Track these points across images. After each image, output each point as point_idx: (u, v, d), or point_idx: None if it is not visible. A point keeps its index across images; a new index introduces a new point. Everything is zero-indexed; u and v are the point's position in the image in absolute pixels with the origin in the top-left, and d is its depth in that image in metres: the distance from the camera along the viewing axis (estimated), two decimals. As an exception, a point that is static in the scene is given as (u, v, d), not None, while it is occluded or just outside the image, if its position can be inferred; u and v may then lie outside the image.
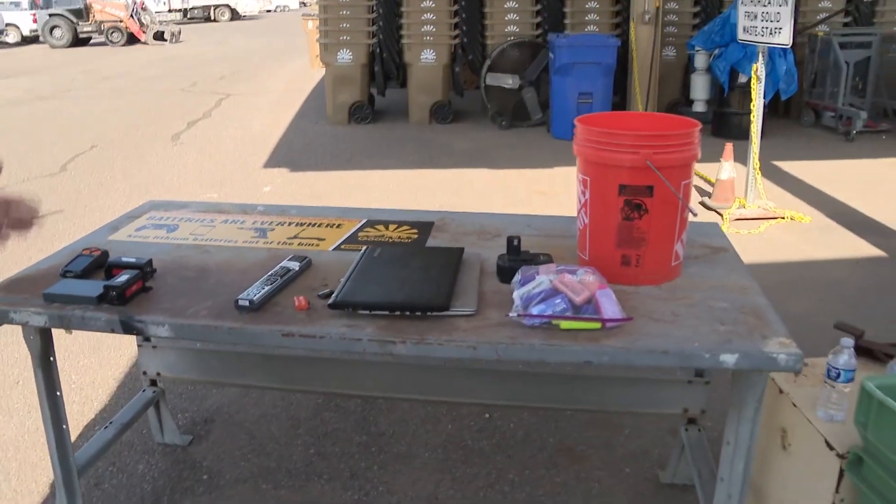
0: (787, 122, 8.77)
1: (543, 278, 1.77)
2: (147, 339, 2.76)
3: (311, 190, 6.40)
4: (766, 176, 5.90)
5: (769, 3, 5.34)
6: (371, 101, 9.44)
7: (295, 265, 2.00)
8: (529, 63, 8.74)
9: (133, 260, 2.02)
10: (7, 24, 26.28)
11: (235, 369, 2.80)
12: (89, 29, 25.11)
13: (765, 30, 5.43)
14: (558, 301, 1.70)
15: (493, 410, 3.04)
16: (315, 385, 2.84)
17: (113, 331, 1.84)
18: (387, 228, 2.38)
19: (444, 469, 2.72)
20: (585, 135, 1.91)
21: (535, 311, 1.68)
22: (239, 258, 2.17)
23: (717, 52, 8.18)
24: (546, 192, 6.31)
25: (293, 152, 7.85)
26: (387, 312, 1.73)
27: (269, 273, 1.94)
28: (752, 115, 5.52)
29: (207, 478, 2.70)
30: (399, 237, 2.30)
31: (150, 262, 2.02)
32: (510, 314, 1.70)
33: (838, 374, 1.86)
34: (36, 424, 3.01)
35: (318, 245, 2.24)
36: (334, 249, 2.21)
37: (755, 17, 5.52)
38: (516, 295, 1.75)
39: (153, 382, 2.82)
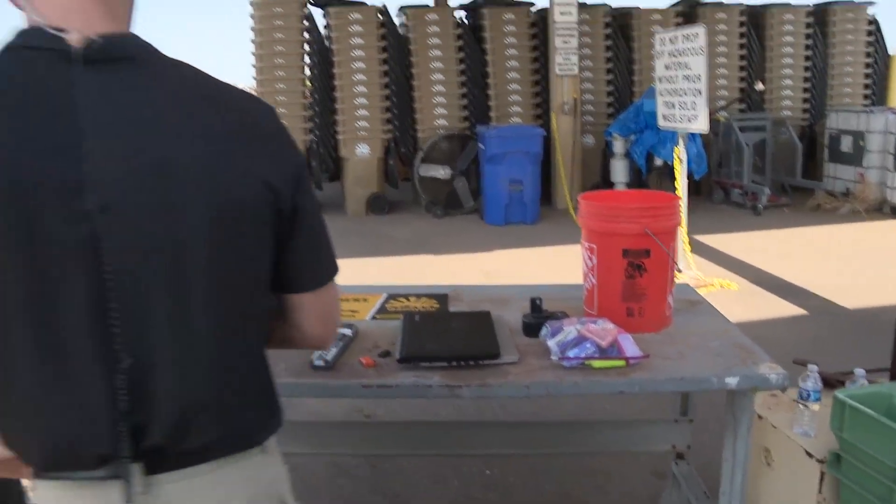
0: (700, 200, 9.52)
1: (571, 328, 2.14)
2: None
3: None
4: (691, 249, 6.48)
5: (685, 93, 6.00)
6: (308, 194, 9.76)
7: (348, 331, 2.30)
8: (460, 154, 9.29)
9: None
10: None
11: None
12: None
13: (682, 117, 6.08)
14: (588, 345, 2.05)
15: (492, 466, 3.34)
16: (335, 448, 3.09)
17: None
18: (408, 300, 2.70)
19: (460, 520, 3.00)
20: (592, 209, 2.31)
21: (570, 354, 2.04)
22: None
23: (632, 138, 8.92)
24: (491, 272, 6.72)
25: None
26: (445, 364, 2.05)
27: (329, 339, 2.24)
28: (677, 192, 6.11)
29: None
30: (423, 306, 2.63)
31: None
32: (552, 357, 2.05)
33: (808, 395, 2.26)
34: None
35: (354, 315, 2.55)
36: (371, 319, 2.52)
37: (673, 106, 6.17)
38: (552, 343, 2.11)
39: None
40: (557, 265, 6.74)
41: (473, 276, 6.58)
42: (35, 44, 1.03)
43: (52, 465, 1.08)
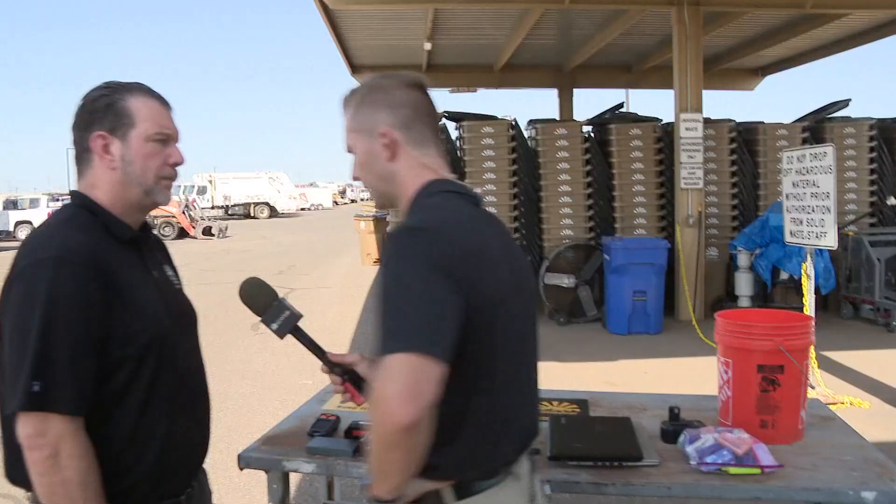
0: (828, 315, 9.35)
1: (709, 436, 2.32)
2: (330, 497, 3.27)
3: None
4: (819, 365, 6.42)
5: (813, 210, 6.09)
6: (435, 297, 10.16)
7: (499, 429, 2.55)
8: (584, 263, 9.53)
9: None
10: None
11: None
12: (142, 222, 26.76)
13: (810, 234, 6.15)
14: (725, 453, 2.23)
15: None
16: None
17: (372, 478, 2.37)
18: (551, 403, 2.93)
19: None
20: (729, 327, 2.52)
21: (708, 459, 2.22)
22: (443, 425, 2.71)
23: (757, 251, 8.94)
24: (615, 383, 6.83)
25: (371, 344, 8.45)
26: (591, 463, 2.26)
27: (483, 434, 2.49)
28: (804, 309, 6.13)
29: None
30: (566, 410, 2.85)
31: (382, 426, 2.58)
32: (691, 462, 2.23)
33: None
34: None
35: (502, 415, 2.79)
36: (517, 418, 2.76)
37: (801, 223, 6.26)
38: (691, 449, 2.29)
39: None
40: (681, 377, 6.79)
41: (598, 384, 6.70)
42: (460, 190, 1.68)
43: (505, 466, 1.63)
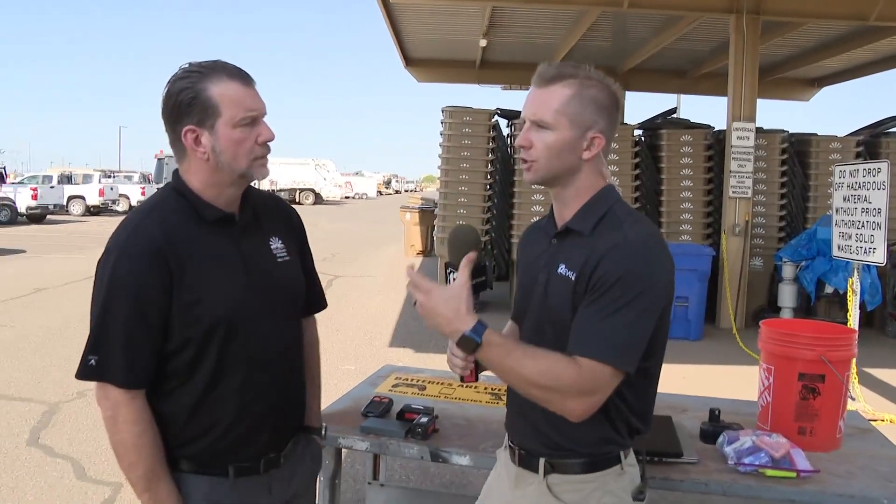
0: (872, 332, 9.28)
1: (747, 439, 2.41)
2: (375, 477, 3.41)
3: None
4: (860, 381, 6.42)
5: (863, 225, 6.09)
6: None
7: (544, 420, 2.66)
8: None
9: (421, 407, 2.71)
10: (120, 195, 29.77)
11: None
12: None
13: (859, 249, 6.15)
14: (762, 455, 2.32)
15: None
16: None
17: (422, 458, 2.50)
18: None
19: None
20: (772, 336, 2.60)
21: (746, 461, 2.31)
22: (490, 413, 2.83)
23: (803, 264, 8.91)
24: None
25: (413, 335, 8.58)
26: (632, 456, 2.36)
27: (529, 424, 2.60)
28: (848, 323, 6.14)
29: None
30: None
31: (433, 409, 2.71)
32: (728, 462, 2.33)
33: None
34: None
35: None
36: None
37: (850, 237, 6.26)
38: (729, 449, 2.38)
39: (377, 516, 3.43)
40: (718, 384, 6.80)
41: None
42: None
43: None
